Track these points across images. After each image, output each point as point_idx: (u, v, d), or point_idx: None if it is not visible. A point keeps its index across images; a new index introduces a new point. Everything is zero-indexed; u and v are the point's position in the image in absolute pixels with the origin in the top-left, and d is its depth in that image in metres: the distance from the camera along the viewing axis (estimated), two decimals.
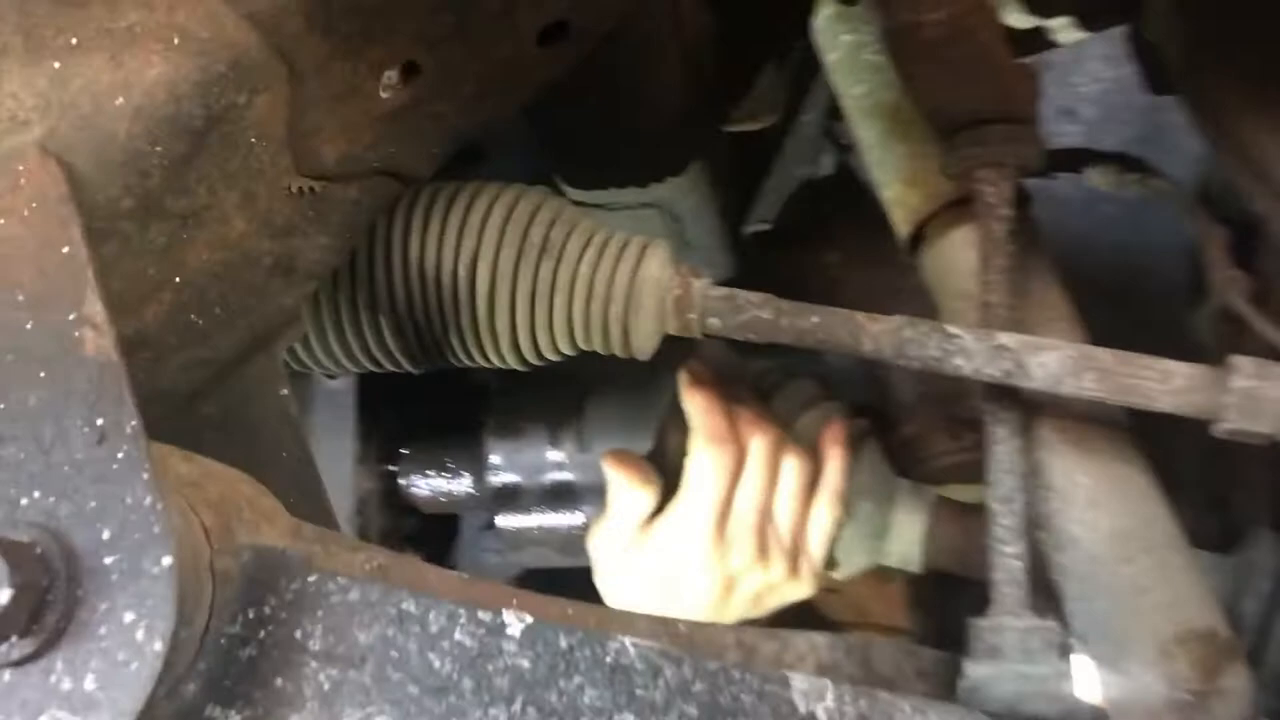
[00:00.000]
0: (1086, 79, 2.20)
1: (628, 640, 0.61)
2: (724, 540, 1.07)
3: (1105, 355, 0.87)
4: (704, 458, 1.08)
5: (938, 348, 0.89)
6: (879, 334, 0.90)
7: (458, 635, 0.61)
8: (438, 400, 1.38)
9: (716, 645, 0.79)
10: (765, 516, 1.09)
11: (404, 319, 0.94)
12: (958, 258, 1.08)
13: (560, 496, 1.21)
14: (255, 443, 0.83)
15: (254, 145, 0.72)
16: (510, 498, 1.22)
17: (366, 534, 1.25)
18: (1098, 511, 0.97)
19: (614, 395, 1.21)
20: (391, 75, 0.79)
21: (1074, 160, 1.49)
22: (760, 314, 0.93)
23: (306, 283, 0.86)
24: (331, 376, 1.24)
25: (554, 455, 1.21)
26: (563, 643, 0.61)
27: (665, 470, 1.14)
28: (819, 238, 1.40)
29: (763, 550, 1.09)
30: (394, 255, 0.93)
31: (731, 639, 0.81)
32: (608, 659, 0.61)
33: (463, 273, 0.92)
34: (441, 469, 1.28)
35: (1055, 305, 1.06)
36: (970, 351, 0.88)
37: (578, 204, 1.23)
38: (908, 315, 0.91)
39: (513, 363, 0.96)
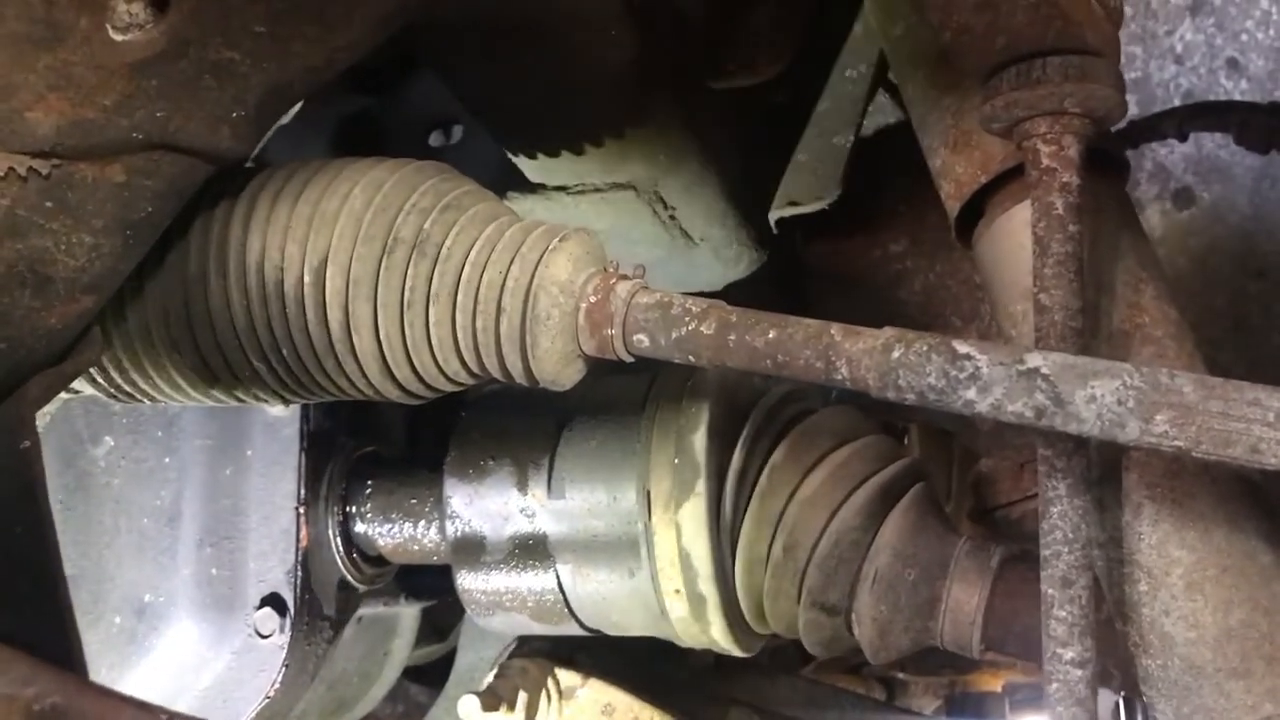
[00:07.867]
0: (1257, 21, 1.81)
1: None
2: None
3: (1189, 386, 0.58)
4: None
5: (939, 374, 0.62)
6: (857, 356, 0.64)
7: None
8: (414, 424, 1.16)
9: None
10: None
11: (245, 339, 0.72)
12: (1016, 246, 0.81)
13: (531, 551, 0.97)
14: None
15: None
16: (473, 550, 0.98)
17: (311, 590, 1.03)
18: (1201, 601, 0.70)
19: (596, 425, 0.96)
20: (132, 8, 0.57)
21: (1223, 116, 1.20)
22: (701, 329, 0.68)
23: (77, 296, 0.65)
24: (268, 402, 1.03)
25: (522, 501, 0.96)
26: None
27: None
28: (878, 221, 1.13)
29: None
30: (227, 257, 0.71)
31: None
32: None
33: (309, 278, 0.70)
34: (407, 513, 1.06)
35: (1151, 310, 0.77)
36: (987, 380, 0.61)
37: (536, 187, 1.00)
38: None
39: (392, 394, 0.74)
